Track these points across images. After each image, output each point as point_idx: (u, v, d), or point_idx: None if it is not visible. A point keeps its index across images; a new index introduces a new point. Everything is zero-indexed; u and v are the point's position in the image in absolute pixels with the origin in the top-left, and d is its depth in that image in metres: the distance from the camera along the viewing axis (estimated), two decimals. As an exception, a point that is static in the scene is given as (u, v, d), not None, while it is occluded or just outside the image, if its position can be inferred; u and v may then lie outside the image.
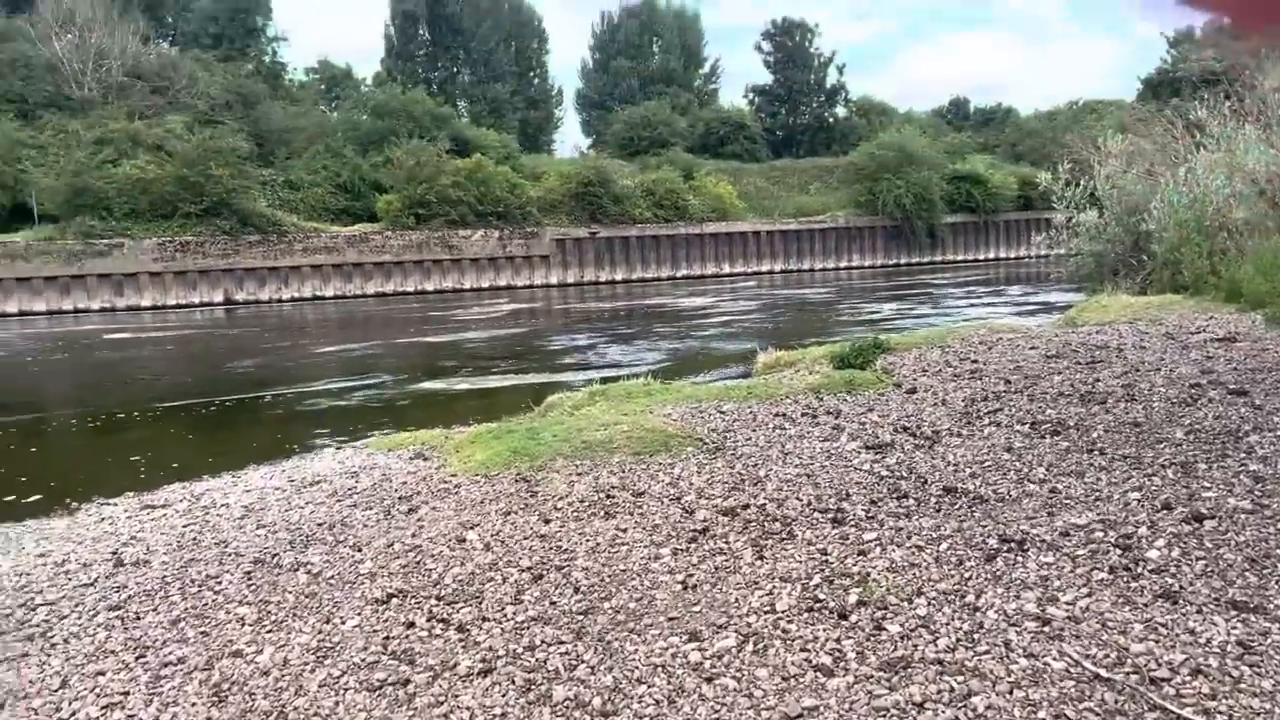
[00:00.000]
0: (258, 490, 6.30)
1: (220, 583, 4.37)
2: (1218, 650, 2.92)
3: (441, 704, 3.02)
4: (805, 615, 3.38)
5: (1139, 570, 3.54)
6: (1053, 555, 3.74)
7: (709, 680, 2.99)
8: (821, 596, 3.52)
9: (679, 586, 3.77)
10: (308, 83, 49.95)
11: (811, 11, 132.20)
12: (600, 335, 21.24)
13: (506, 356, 18.00)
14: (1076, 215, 16.73)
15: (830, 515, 4.47)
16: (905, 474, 5.12)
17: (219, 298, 32.60)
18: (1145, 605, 3.24)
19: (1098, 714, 2.64)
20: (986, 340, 10.09)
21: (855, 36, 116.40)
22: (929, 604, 3.38)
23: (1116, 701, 2.69)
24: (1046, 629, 3.12)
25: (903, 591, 3.49)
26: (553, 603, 3.72)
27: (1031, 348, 9.36)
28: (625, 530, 4.50)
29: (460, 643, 3.44)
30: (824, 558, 3.93)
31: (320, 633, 3.66)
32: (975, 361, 8.78)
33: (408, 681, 3.18)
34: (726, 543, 4.22)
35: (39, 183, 31.13)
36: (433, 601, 3.85)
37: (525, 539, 4.51)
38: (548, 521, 4.75)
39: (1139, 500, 4.33)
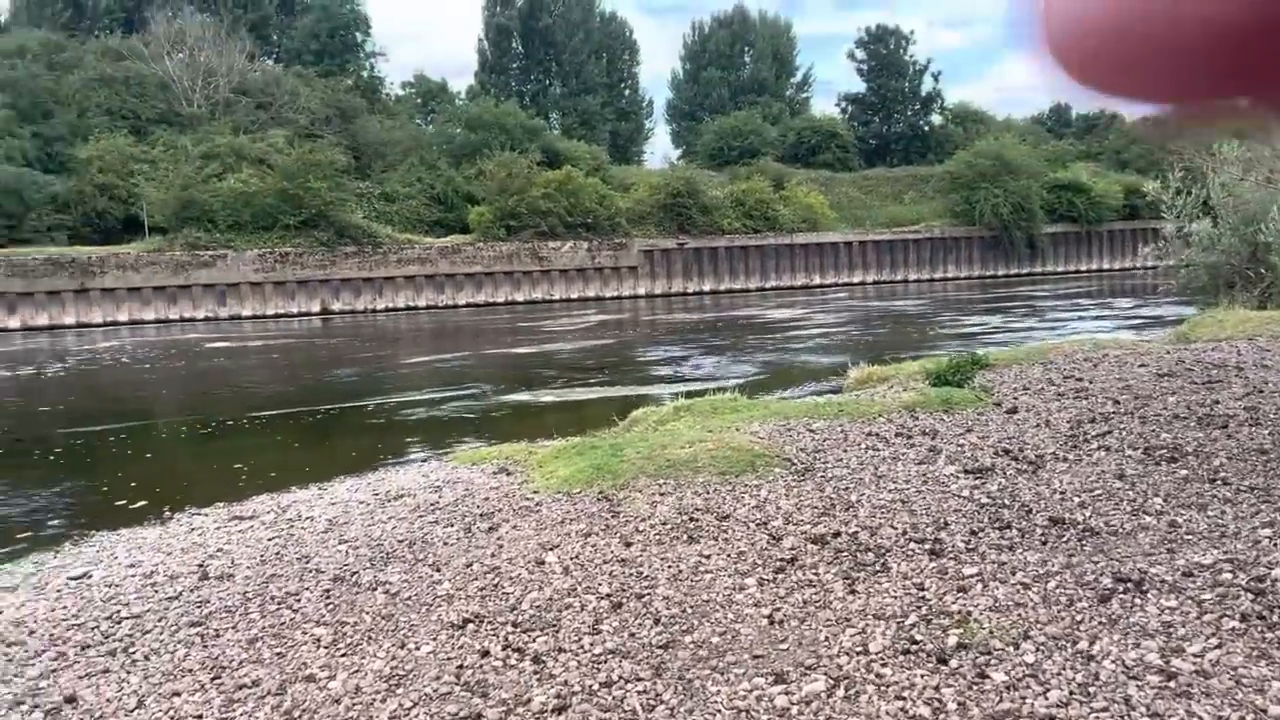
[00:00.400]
0: (342, 503, 6.30)
1: (299, 600, 4.34)
2: (1372, 716, 2.61)
3: (513, 742, 2.89)
4: (901, 658, 3.15)
5: (1274, 619, 3.21)
6: (1175, 598, 3.43)
7: (796, 728, 2.80)
8: (919, 637, 3.28)
9: (765, 621, 3.57)
10: (404, 97, 51.07)
11: (906, 18, 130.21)
12: (687, 347, 21.07)
13: (593, 368, 17.96)
14: (1188, 225, 15.92)
15: (927, 546, 4.22)
16: (1008, 502, 4.82)
17: (316, 308, 33.42)
18: (1284, 661, 2.93)
19: (1234, 786, 2.36)
20: (1092, 357, 9.61)
21: (951, 43, 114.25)
22: (1037, 650, 3.11)
23: (1255, 773, 2.41)
24: (1172, 684, 2.83)
25: (1007, 634, 3.23)
26: (632, 634, 3.57)
27: (1141, 365, 8.87)
28: (709, 557, 4.32)
29: (535, 675, 3.30)
30: (920, 593, 3.69)
31: (394, 658, 3.57)
32: (1080, 380, 8.35)
33: (479, 716, 3.05)
34: (816, 574, 4.01)
35: (149, 196, 32.39)
36: (509, 628, 3.73)
37: (605, 563, 4.37)
38: (629, 545, 4.59)
39: (1271, 538, 3.97)
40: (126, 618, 4.34)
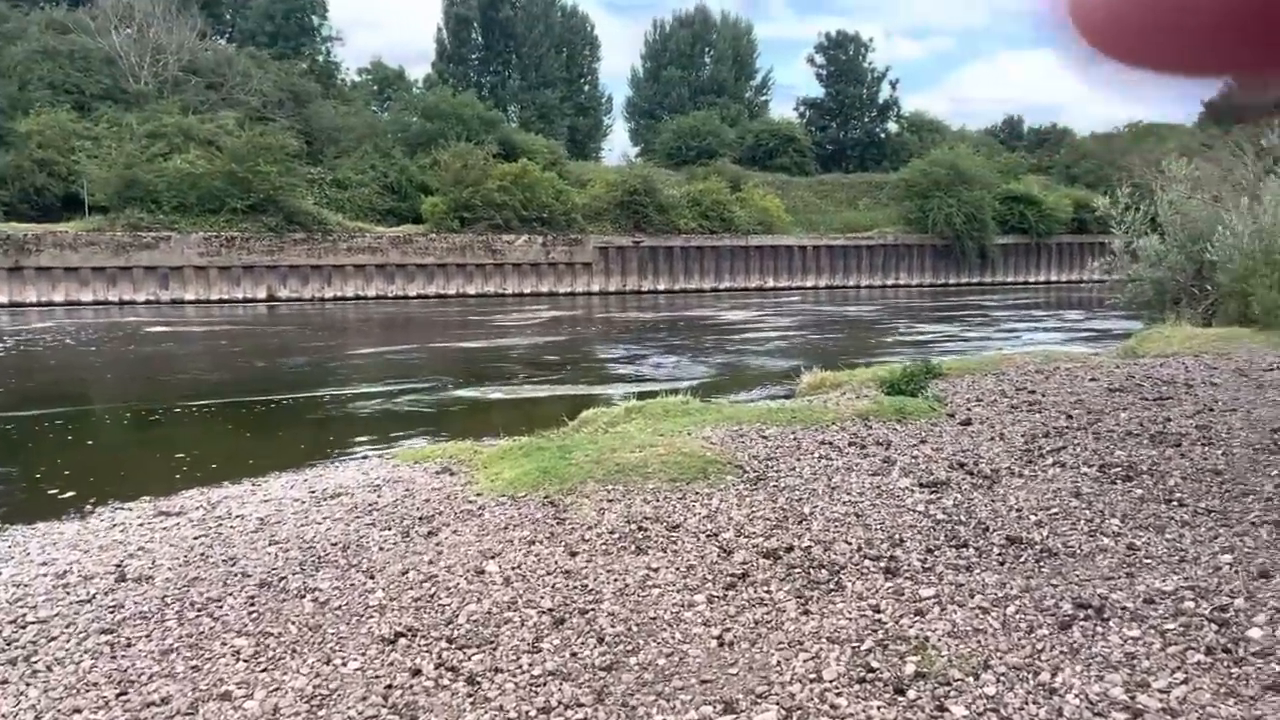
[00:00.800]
0: (276, 500, 6.02)
1: (221, 607, 4.08)
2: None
3: (442, 773, 2.69)
4: (856, 687, 2.99)
5: (1240, 653, 3.11)
6: (1138, 627, 3.32)
7: (746, 763, 2.63)
8: (875, 665, 3.13)
9: (714, 642, 3.40)
10: (360, 83, 50.18)
11: (866, 24, 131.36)
12: (640, 346, 20.89)
13: (544, 365, 17.71)
14: (1136, 240, 16.10)
15: (882, 564, 4.08)
16: (964, 518, 4.71)
17: (262, 294, 32.69)
18: (1253, 699, 2.82)
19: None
20: (1044, 369, 9.61)
21: (909, 52, 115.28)
22: (998, 681, 2.98)
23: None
24: (1138, 722, 2.71)
25: (967, 664, 3.09)
26: (574, 654, 3.37)
27: (1092, 379, 8.87)
28: (657, 570, 4.14)
29: (469, 698, 3.09)
30: (876, 615, 3.54)
31: (319, 675, 3.33)
32: (1033, 392, 8.32)
33: (407, 744, 2.84)
34: (768, 591, 3.85)
35: (91, 173, 31.41)
36: (443, 644, 3.52)
37: (549, 574, 4.16)
38: (574, 555, 4.40)
39: (1231, 565, 3.88)
40: (32, 622, 4.05)
